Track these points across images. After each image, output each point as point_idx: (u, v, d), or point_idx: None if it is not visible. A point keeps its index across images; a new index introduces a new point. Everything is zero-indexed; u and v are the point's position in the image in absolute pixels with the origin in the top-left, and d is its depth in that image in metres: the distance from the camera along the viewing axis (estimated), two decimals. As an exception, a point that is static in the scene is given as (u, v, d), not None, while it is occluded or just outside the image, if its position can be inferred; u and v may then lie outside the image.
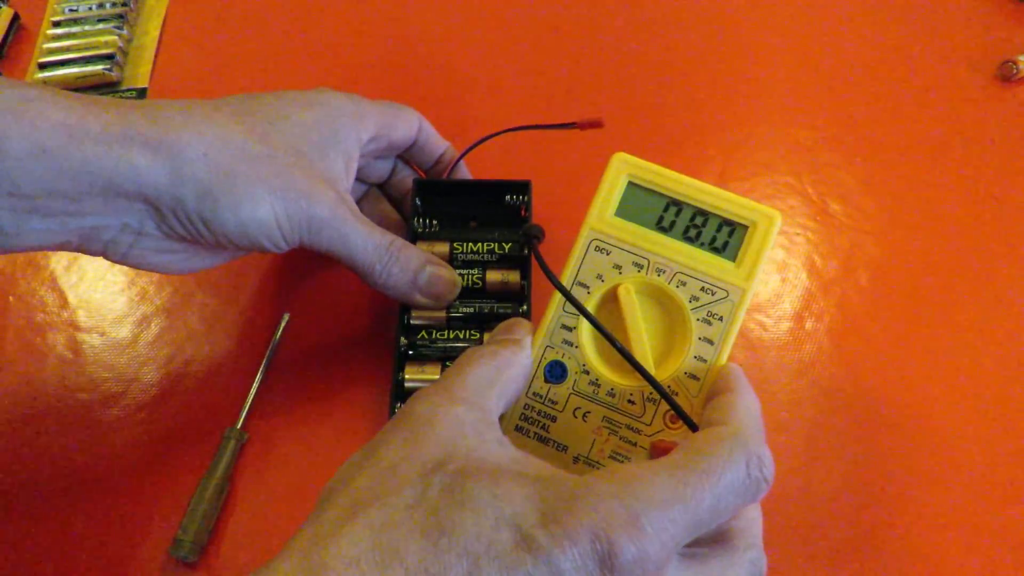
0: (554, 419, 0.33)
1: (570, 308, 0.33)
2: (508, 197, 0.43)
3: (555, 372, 0.33)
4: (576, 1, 0.58)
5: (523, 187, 0.43)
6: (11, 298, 0.44)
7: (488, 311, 0.40)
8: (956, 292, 0.43)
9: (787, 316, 0.42)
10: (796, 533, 0.35)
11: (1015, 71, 0.51)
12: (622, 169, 0.34)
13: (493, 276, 0.40)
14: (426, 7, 0.58)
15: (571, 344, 0.33)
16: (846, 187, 0.47)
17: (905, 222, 0.45)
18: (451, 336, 0.39)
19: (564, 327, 0.33)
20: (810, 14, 0.56)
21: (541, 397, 0.33)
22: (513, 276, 0.40)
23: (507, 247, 0.41)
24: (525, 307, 0.39)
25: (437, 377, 0.38)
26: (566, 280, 0.34)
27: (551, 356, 0.33)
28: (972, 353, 0.40)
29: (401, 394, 0.38)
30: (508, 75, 0.53)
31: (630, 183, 0.34)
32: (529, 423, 0.33)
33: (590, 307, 0.33)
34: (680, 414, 0.29)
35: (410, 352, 0.39)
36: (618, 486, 0.22)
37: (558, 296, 0.34)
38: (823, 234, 0.45)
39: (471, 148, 0.43)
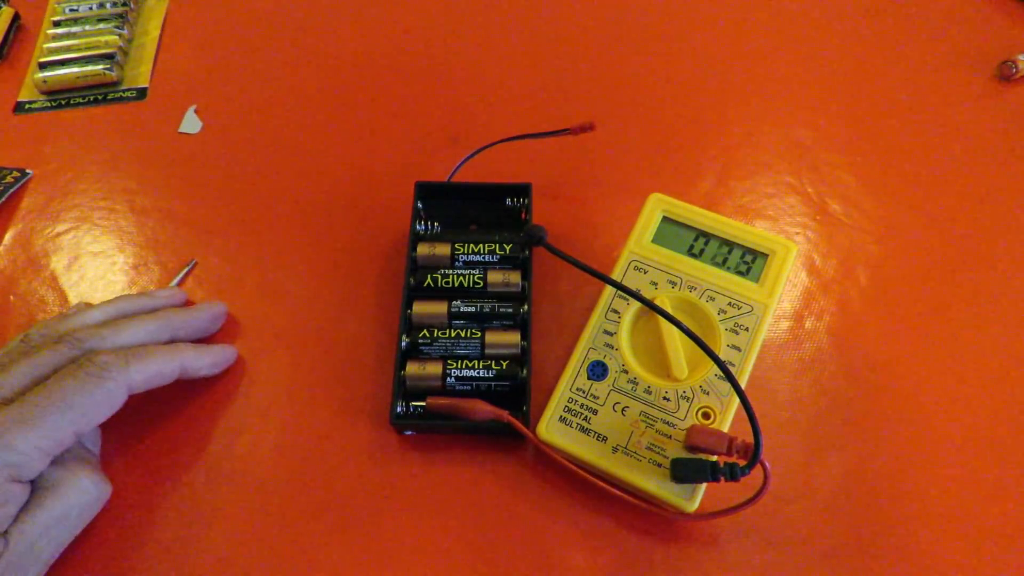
0: (595, 412, 0.35)
1: (611, 315, 0.37)
2: (509, 200, 0.43)
3: (596, 370, 0.36)
4: (575, 4, 0.58)
5: (524, 190, 0.43)
6: (11, 297, 0.44)
7: (489, 310, 0.40)
8: (955, 291, 0.43)
9: (787, 315, 0.42)
10: (796, 533, 0.35)
11: (1015, 71, 0.51)
12: (657, 206, 0.39)
13: (494, 277, 0.40)
14: (428, 10, 0.58)
15: (612, 347, 0.36)
16: (846, 187, 0.47)
17: (905, 222, 0.46)
18: (452, 335, 0.39)
19: (606, 332, 0.37)
20: (809, 14, 0.57)
21: (584, 392, 0.36)
22: (514, 277, 0.41)
23: (508, 248, 0.41)
24: (526, 307, 0.40)
25: (439, 374, 0.38)
26: (606, 296, 0.38)
27: (593, 356, 0.36)
28: (972, 352, 0.41)
29: (403, 392, 0.38)
30: (508, 78, 0.54)
31: (664, 217, 0.39)
32: (572, 415, 0.35)
33: (629, 316, 0.37)
34: (735, 386, 0.31)
35: (412, 350, 0.39)
36: None
37: (601, 304, 0.38)
38: (823, 233, 0.45)
39: (469, 157, 0.44)
